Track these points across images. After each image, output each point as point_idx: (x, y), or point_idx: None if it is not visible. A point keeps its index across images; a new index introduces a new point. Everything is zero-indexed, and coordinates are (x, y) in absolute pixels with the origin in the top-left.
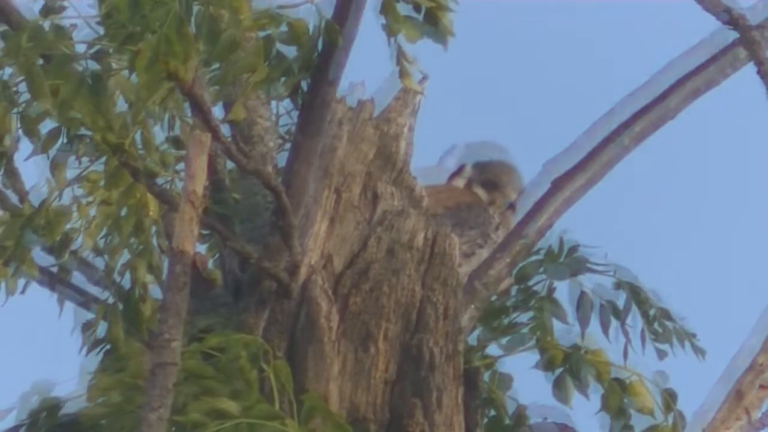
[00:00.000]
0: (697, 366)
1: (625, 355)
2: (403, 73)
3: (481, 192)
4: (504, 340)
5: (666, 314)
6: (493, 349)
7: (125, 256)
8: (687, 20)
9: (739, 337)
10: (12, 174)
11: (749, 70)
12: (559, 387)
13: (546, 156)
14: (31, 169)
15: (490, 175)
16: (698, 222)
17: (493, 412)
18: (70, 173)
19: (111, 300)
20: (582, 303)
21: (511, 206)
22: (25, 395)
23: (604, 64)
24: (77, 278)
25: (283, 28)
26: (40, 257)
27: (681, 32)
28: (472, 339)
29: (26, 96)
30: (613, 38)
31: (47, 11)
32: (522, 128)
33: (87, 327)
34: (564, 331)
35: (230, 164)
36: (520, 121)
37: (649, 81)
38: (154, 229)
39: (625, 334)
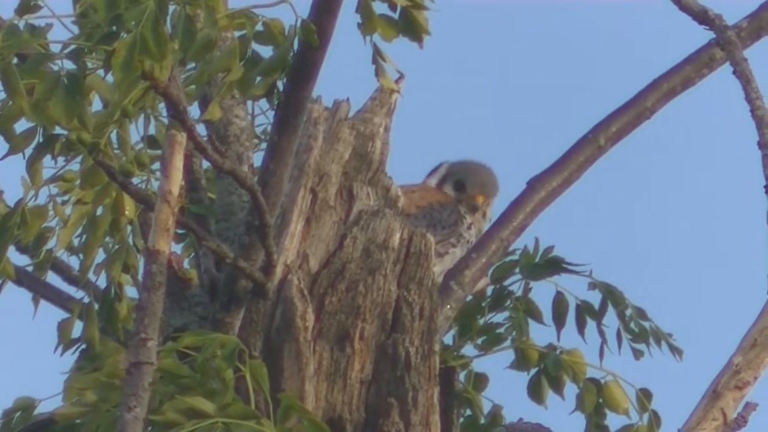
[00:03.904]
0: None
1: (601, 355)
2: (379, 72)
3: (450, 191)
4: (480, 340)
5: (642, 314)
6: (468, 349)
7: (101, 255)
8: (667, 23)
9: (719, 335)
10: None
11: (726, 69)
12: (534, 387)
13: (527, 156)
14: (7, 168)
15: (461, 175)
16: (675, 221)
17: (468, 412)
18: (46, 172)
19: (86, 299)
20: (558, 303)
21: (474, 208)
22: (7, 411)
23: (588, 65)
24: (52, 278)
25: (259, 27)
26: (15, 257)
27: (663, 36)
28: (448, 339)
29: (1, 95)
30: (596, 39)
31: (22, 10)
32: (499, 126)
33: (62, 326)
34: (539, 331)
35: (206, 164)
36: (497, 119)
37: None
38: (129, 228)
39: (601, 334)
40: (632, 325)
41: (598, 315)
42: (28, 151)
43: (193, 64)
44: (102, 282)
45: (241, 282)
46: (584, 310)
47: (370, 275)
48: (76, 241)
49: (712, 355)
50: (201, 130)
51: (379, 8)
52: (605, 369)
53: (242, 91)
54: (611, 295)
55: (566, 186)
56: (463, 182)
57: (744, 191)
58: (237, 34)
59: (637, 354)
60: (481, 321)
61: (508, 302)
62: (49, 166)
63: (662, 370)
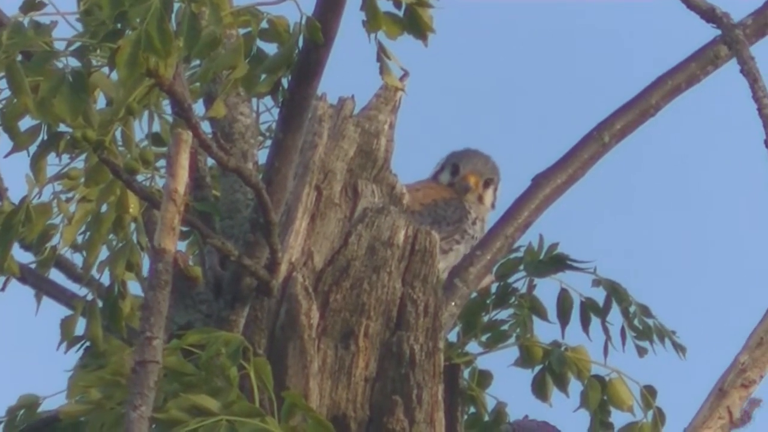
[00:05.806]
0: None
1: (606, 352)
2: (383, 70)
3: (447, 177)
4: (484, 337)
5: (646, 311)
6: (473, 346)
7: (105, 252)
8: (672, 21)
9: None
10: None
11: (731, 66)
12: (538, 384)
13: (532, 153)
14: (11, 166)
15: (456, 160)
16: (679, 218)
17: (473, 409)
18: (51, 170)
19: (90, 297)
20: (562, 300)
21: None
22: (11, 409)
23: (593, 62)
24: (56, 275)
25: (264, 25)
26: (20, 254)
27: (668, 33)
28: (452, 336)
29: (6, 93)
30: (601, 37)
31: (27, 8)
32: (504, 123)
33: (65, 324)
34: (544, 328)
35: (211, 161)
36: (502, 117)
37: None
38: (133, 226)
39: (606, 331)
40: (636, 322)
41: (603, 312)
42: (33, 148)
43: (197, 62)
44: (106, 279)
45: (245, 279)
46: (589, 307)
47: (374, 272)
48: (80, 239)
49: (717, 353)
50: (206, 127)
51: (384, 6)
52: (610, 366)
53: (247, 88)
54: (615, 292)
55: (571, 183)
56: (458, 166)
57: (750, 189)
58: (242, 31)
59: (641, 351)
60: (486, 318)
61: (513, 299)
62: (53, 163)
63: (667, 367)
